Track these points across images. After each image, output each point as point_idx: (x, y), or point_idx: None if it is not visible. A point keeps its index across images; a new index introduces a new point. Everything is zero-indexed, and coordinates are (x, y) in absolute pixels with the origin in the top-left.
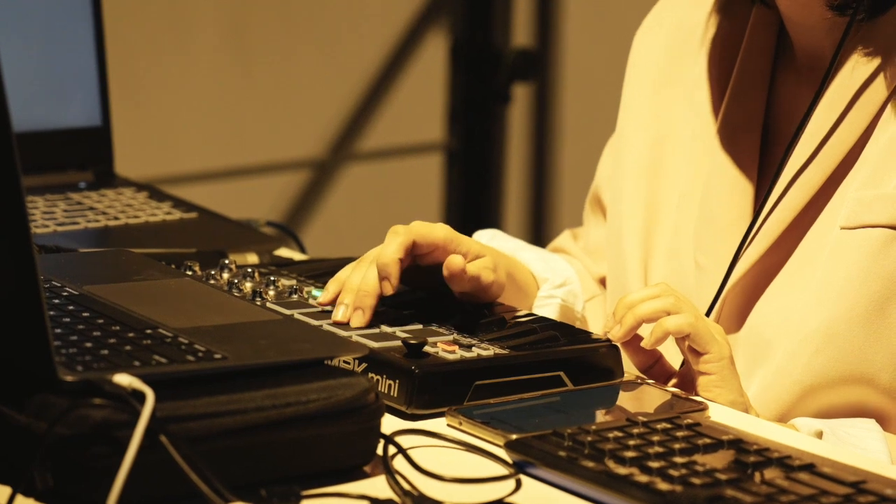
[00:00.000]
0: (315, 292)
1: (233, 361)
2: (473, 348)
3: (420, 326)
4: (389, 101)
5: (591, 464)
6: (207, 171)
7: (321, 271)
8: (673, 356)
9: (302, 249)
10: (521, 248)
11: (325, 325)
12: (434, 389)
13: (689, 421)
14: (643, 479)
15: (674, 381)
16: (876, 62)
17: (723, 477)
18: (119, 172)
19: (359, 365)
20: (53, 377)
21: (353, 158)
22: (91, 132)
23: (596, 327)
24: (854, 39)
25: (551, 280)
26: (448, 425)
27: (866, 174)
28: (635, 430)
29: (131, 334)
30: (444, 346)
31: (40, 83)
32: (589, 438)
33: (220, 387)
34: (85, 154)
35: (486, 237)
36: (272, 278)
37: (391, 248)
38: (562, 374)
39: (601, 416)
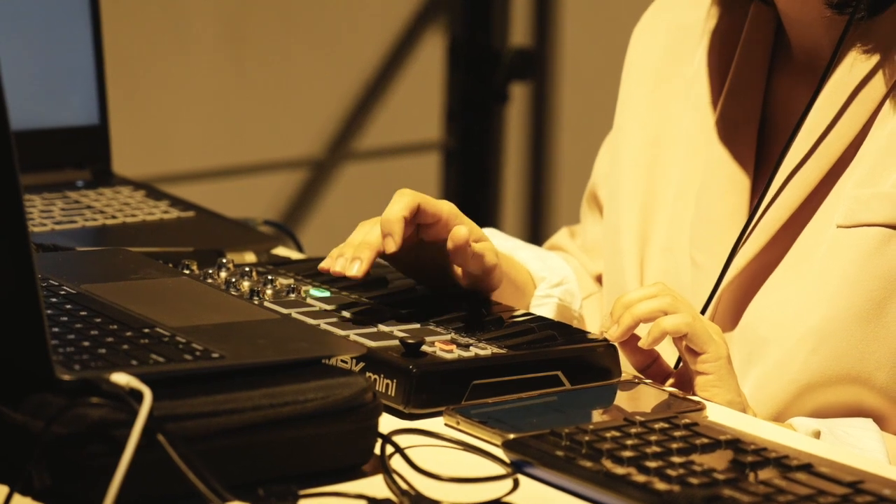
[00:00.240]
0: (313, 291)
1: (230, 360)
2: (471, 348)
3: (418, 326)
4: (387, 100)
5: (588, 463)
6: (205, 169)
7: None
8: (669, 356)
9: (299, 248)
10: (518, 247)
11: (323, 324)
12: (431, 389)
13: (687, 421)
14: (641, 478)
15: (671, 380)
16: (874, 60)
17: (720, 477)
18: (117, 171)
19: (356, 364)
20: (51, 376)
21: (350, 157)
22: (89, 131)
23: (593, 325)
24: (852, 37)
25: (548, 279)
26: (446, 425)
27: (863, 172)
28: (633, 430)
29: (129, 333)
30: (442, 346)
31: (38, 82)
32: (586, 438)
33: (217, 386)
34: (83, 153)
35: None
36: (270, 277)
37: (397, 207)
38: (559, 373)
39: (599, 416)
